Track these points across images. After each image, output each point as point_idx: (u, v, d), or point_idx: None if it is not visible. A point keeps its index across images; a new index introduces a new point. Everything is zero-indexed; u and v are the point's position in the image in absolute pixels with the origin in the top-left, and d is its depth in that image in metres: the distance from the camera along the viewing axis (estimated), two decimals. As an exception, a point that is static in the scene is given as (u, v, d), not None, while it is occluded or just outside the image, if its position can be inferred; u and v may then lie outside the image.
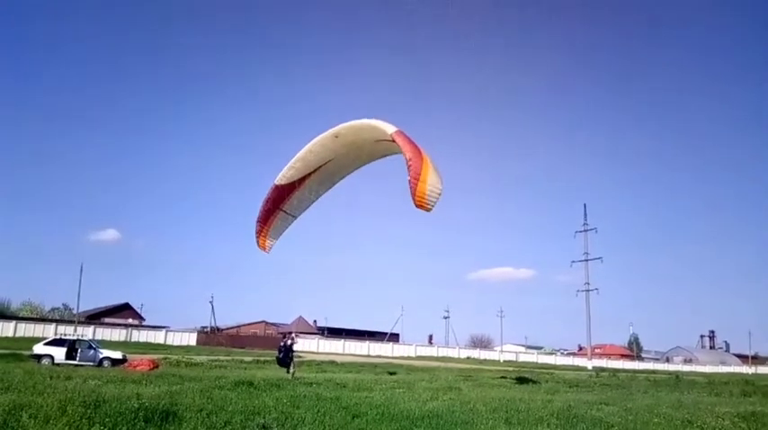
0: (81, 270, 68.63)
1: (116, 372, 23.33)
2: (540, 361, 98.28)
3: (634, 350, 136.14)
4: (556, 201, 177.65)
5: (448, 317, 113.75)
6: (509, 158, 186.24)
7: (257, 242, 22.33)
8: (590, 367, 79.84)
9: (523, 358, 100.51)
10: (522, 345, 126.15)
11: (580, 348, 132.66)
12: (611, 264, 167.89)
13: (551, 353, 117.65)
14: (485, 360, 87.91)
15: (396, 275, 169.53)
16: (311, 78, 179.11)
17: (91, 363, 29.75)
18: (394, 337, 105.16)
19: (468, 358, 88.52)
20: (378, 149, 22.16)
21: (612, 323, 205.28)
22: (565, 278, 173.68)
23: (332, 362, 43.08)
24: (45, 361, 29.13)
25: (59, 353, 29.95)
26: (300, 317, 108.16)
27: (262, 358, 46.69)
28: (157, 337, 73.22)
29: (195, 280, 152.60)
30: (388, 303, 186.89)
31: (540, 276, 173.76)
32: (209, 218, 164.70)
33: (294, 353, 25.17)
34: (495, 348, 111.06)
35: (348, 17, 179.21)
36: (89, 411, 9.35)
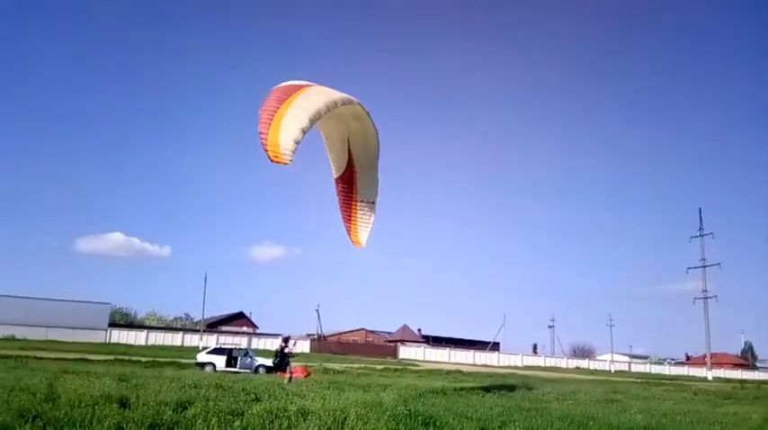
0: (205, 280, 72.93)
1: (279, 379, 24.55)
2: (652, 371, 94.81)
3: (749, 359, 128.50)
4: (660, 206, 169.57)
5: (552, 326, 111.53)
6: (615, 162, 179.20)
7: (350, 240, 20.35)
8: (710, 377, 76.42)
9: (635, 368, 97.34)
10: (626, 354, 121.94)
11: (688, 357, 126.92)
12: (719, 270, 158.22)
13: (659, 363, 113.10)
14: (595, 370, 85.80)
15: (497, 283, 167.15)
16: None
17: (248, 371, 31.66)
18: (495, 346, 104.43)
19: (577, 368, 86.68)
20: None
21: (720, 330, 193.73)
22: (668, 287, 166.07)
23: (458, 372, 43.67)
24: (208, 368, 31.27)
25: (220, 362, 32.09)
26: (405, 325, 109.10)
27: (387, 365, 47.82)
28: (273, 345, 76.02)
29: (297, 287, 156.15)
30: (487, 312, 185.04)
31: (641, 284, 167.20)
32: (311, 225, 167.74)
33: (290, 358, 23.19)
34: (602, 357, 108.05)
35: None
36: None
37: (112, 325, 74.60)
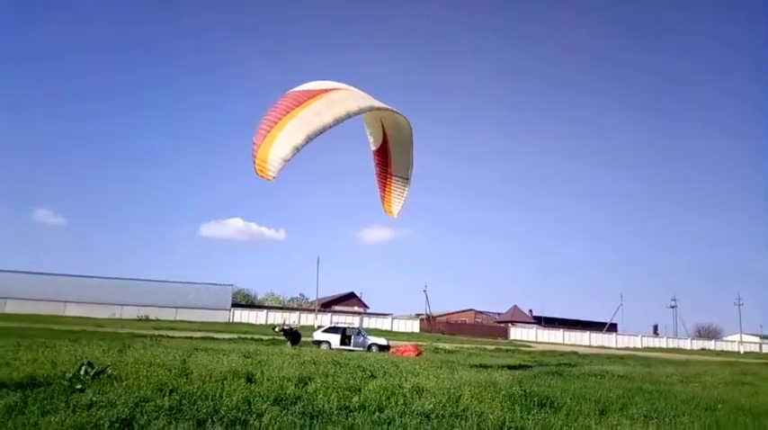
0: (318, 263, 75.37)
1: (394, 358, 25.07)
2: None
3: None
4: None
5: (675, 306, 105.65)
6: (741, 129, 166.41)
7: (384, 209, 21.54)
8: None
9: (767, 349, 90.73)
10: (757, 335, 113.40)
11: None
12: None
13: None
14: (722, 351, 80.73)
15: (613, 262, 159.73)
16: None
17: (361, 349, 32.46)
18: (612, 328, 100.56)
19: (702, 350, 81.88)
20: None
21: None
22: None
23: (573, 353, 42.57)
24: (324, 346, 32.34)
25: (335, 340, 33.17)
26: (515, 306, 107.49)
27: (498, 346, 47.43)
28: (384, 324, 77.74)
29: (406, 268, 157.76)
30: (603, 292, 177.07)
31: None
32: (419, 208, 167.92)
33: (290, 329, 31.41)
34: (729, 338, 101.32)
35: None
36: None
37: (235, 305, 79.39)
